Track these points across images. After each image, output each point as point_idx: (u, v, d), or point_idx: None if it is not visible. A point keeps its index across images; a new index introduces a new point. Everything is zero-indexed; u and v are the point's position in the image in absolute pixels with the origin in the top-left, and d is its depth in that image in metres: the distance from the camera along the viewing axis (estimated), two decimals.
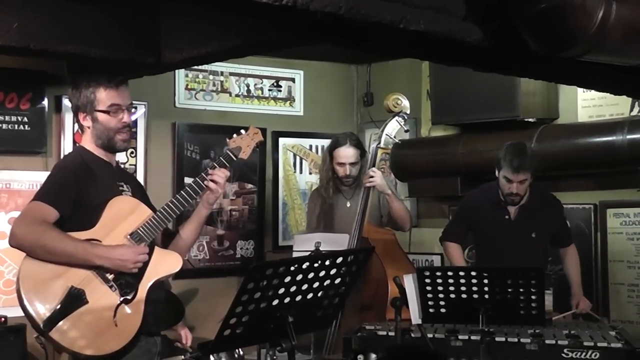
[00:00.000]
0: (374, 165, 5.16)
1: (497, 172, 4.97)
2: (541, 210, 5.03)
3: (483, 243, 5.21)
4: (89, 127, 3.55)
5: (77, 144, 3.79)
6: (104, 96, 3.50)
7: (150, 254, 3.47)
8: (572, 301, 5.04)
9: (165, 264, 3.53)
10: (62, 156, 5.36)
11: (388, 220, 5.41)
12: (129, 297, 3.40)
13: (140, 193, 3.70)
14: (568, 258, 5.16)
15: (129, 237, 3.44)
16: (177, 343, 5.17)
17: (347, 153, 5.42)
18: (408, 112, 5.26)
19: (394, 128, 5.21)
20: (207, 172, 3.61)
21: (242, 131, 3.74)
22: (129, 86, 3.61)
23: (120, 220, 3.45)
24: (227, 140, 3.72)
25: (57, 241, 3.30)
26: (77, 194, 3.41)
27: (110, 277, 3.38)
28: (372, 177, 5.09)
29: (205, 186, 3.59)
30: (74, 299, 3.30)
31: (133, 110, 3.70)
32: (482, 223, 5.15)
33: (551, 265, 5.41)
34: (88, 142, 3.57)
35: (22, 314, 3.31)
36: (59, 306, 3.27)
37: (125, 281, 3.40)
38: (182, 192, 3.57)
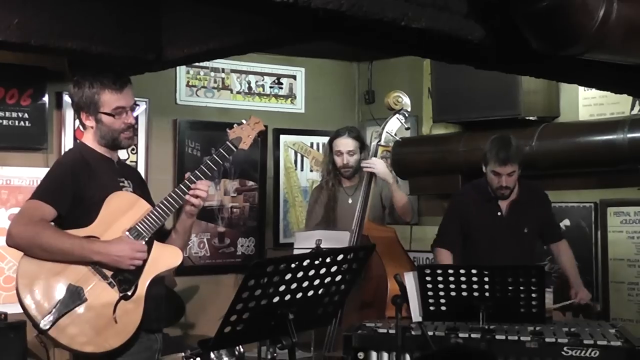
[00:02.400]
0: None
1: (484, 168, 4.93)
2: (531, 205, 4.99)
3: (474, 240, 5.10)
4: (92, 127, 3.53)
5: (78, 140, 3.77)
6: (108, 99, 3.47)
7: (149, 249, 3.45)
8: (571, 292, 4.94)
9: (164, 258, 3.50)
10: (62, 152, 5.36)
11: (390, 212, 5.39)
12: (128, 294, 3.38)
13: (141, 189, 3.68)
14: (562, 253, 5.06)
15: (127, 232, 3.42)
16: None
17: (344, 142, 5.47)
18: (409, 109, 5.26)
19: (394, 126, 5.22)
20: (202, 170, 3.58)
21: (243, 121, 3.71)
22: (132, 85, 3.59)
23: (119, 216, 3.44)
24: (228, 130, 3.69)
25: (54, 239, 3.29)
26: (75, 191, 3.39)
27: (109, 273, 3.37)
28: (370, 163, 5.12)
29: (188, 200, 3.53)
30: (72, 297, 3.29)
31: (136, 107, 3.68)
32: (474, 220, 5.07)
33: (552, 264, 5.41)
34: (90, 140, 3.56)
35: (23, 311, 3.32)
36: (58, 304, 3.26)
37: (124, 277, 3.39)
38: (180, 185, 3.54)
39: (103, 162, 3.55)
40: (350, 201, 5.47)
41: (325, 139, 5.78)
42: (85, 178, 3.44)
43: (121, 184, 3.54)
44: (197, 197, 3.54)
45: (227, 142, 3.65)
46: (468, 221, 5.11)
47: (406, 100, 5.22)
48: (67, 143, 5.65)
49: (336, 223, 5.43)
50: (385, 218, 5.59)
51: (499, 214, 5.01)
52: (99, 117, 3.50)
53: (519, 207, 4.98)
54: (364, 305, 4.99)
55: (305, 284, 2.90)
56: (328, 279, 2.98)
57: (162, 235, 3.60)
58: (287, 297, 2.88)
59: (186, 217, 3.62)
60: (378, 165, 5.14)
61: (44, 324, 3.24)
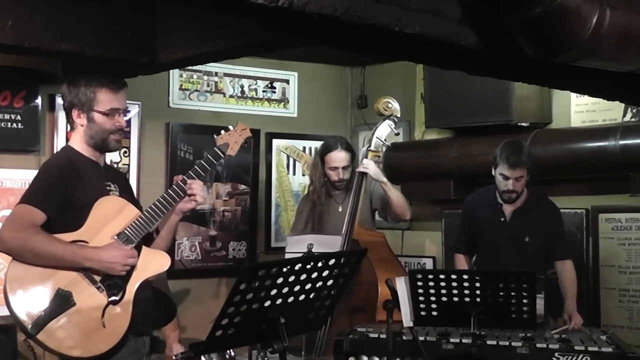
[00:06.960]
0: None
1: (493, 171, 4.93)
2: (536, 215, 4.97)
3: (481, 245, 5.15)
4: (82, 125, 3.52)
5: (66, 144, 3.76)
6: (104, 98, 3.48)
7: (138, 253, 3.45)
8: (564, 315, 4.78)
9: (153, 263, 3.51)
10: None
11: (387, 213, 5.38)
12: (116, 298, 3.38)
13: (127, 192, 3.67)
14: (565, 274, 4.92)
15: (116, 237, 3.42)
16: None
17: (339, 157, 5.43)
18: (398, 115, 5.30)
19: (384, 131, 5.26)
20: (190, 176, 3.59)
21: (230, 127, 3.73)
22: (127, 89, 3.60)
23: (107, 220, 3.43)
24: (215, 137, 3.70)
25: (46, 245, 3.28)
26: (64, 195, 3.38)
27: (98, 278, 3.37)
28: (363, 164, 5.15)
29: (189, 197, 3.59)
30: (61, 301, 3.29)
31: (128, 112, 3.69)
32: (479, 225, 5.11)
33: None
34: (77, 141, 3.55)
35: None
36: (46, 309, 3.26)
37: (113, 282, 3.39)
38: (169, 190, 3.55)
39: (90, 165, 3.53)
40: (340, 209, 5.46)
41: (318, 144, 5.76)
42: (73, 182, 3.43)
43: (108, 188, 3.53)
44: (193, 196, 3.58)
45: (215, 149, 3.66)
46: (474, 226, 5.15)
47: (396, 106, 5.25)
48: (60, 145, 5.62)
49: (326, 231, 5.40)
50: (375, 222, 5.59)
51: (502, 219, 5.01)
52: (91, 115, 3.49)
53: (522, 215, 4.97)
54: (354, 309, 5.00)
55: (297, 288, 2.90)
56: (319, 284, 2.98)
57: (146, 237, 3.61)
58: (279, 301, 2.88)
59: (175, 215, 3.64)
60: (371, 166, 5.17)
61: (32, 328, 3.24)
